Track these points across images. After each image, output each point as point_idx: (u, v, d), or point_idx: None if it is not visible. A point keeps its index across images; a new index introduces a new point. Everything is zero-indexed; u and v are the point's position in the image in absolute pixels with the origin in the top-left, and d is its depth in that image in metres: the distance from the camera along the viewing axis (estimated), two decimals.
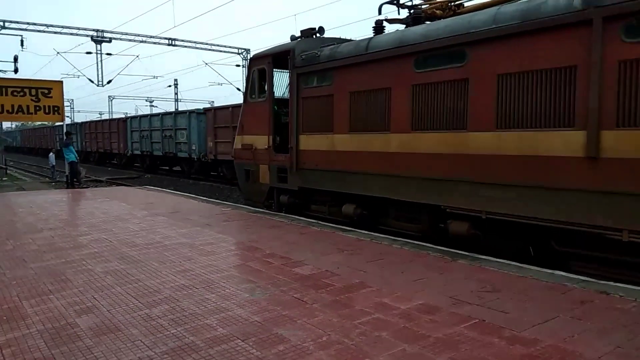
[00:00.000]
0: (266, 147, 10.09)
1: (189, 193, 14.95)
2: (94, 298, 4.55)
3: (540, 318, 3.91)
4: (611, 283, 4.86)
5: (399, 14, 8.60)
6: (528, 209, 5.74)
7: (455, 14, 7.53)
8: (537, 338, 3.53)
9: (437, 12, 7.73)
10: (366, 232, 7.64)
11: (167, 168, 29.33)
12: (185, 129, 23.93)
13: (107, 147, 34.80)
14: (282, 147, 9.93)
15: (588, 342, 3.45)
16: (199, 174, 24.51)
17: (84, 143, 38.82)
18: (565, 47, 5.36)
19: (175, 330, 3.75)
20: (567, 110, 5.37)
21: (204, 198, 13.15)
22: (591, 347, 3.37)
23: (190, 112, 24.21)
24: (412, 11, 8.14)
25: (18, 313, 4.19)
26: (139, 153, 29.81)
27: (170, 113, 27.78)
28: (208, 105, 40.20)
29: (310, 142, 9.06)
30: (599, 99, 5.08)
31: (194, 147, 23.19)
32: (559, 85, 5.43)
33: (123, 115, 46.07)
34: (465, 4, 7.73)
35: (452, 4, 7.77)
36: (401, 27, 8.18)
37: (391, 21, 8.52)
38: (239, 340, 3.55)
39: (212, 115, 21.97)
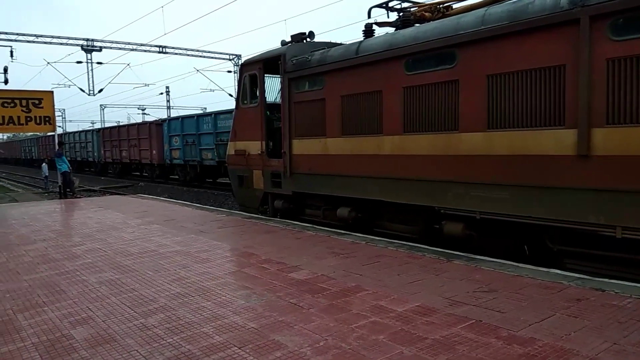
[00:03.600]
0: (259, 152, 10.08)
1: (184, 200, 14.91)
2: (89, 309, 4.52)
3: (537, 317, 3.92)
4: (606, 280, 4.88)
5: (388, 17, 8.64)
6: (521, 209, 5.76)
7: (444, 16, 7.56)
8: (534, 337, 3.53)
9: (426, 14, 7.77)
10: (361, 235, 7.64)
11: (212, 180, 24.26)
12: None
13: (135, 156, 29.12)
14: (275, 152, 9.92)
15: (585, 340, 3.46)
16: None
17: (101, 152, 33.90)
18: (554, 47, 5.40)
19: (171, 339, 3.73)
20: (558, 109, 5.40)
21: (199, 205, 13.11)
22: (588, 344, 3.38)
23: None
24: (401, 14, 8.17)
25: (12, 326, 4.14)
26: (181, 162, 24.62)
27: (226, 112, 20.96)
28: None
29: (303, 146, 9.06)
30: (588, 98, 5.11)
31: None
32: (548, 84, 5.46)
33: (115, 123, 45.55)
34: (454, 6, 7.78)
35: (441, 6, 7.81)
36: (391, 30, 8.21)
37: (381, 24, 8.55)
38: (236, 348, 3.53)
39: None
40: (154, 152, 26.81)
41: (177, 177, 26.41)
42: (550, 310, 4.06)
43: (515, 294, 4.52)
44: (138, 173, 31.72)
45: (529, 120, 5.64)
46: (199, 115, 23.89)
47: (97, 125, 61.86)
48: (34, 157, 49.36)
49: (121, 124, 45.48)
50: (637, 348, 3.30)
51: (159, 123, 27.44)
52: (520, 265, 5.56)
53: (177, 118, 25.72)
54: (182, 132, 24.06)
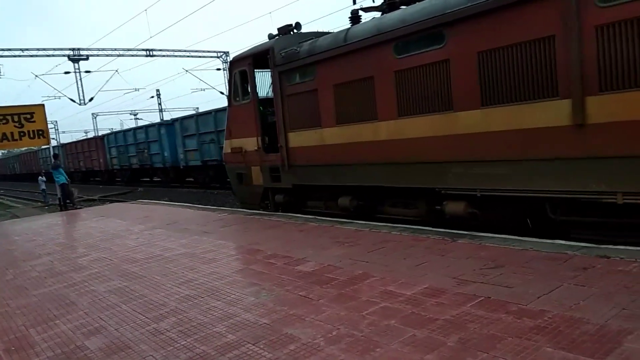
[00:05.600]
0: (256, 148, 10.07)
1: (184, 202, 14.91)
2: (100, 318, 4.54)
3: (545, 289, 3.95)
4: (611, 247, 4.91)
5: (373, 1, 8.59)
6: (521, 182, 5.78)
7: None
8: (544, 309, 3.56)
9: None
10: (364, 222, 7.66)
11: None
12: None
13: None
14: (272, 146, 9.91)
15: (594, 308, 3.48)
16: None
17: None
18: (542, 18, 5.38)
19: (185, 342, 3.75)
20: (550, 81, 5.39)
21: (200, 206, 13.12)
22: (597, 312, 3.41)
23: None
24: None
25: (26, 341, 4.17)
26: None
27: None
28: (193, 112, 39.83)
29: (299, 138, 9.05)
30: (580, 66, 5.10)
31: None
32: (539, 56, 5.45)
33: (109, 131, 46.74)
34: None
35: None
36: (377, 14, 8.17)
37: (367, 9, 8.51)
38: (250, 345, 3.56)
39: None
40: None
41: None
42: (557, 281, 4.09)
43: (521, 268, 4.54)
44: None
45: (523, 94, 5.64)
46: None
47: (91, 134, 61.77)
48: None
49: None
50: None
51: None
52: (525, 239, 5.59)
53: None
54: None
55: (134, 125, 42.82)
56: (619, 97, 4.89)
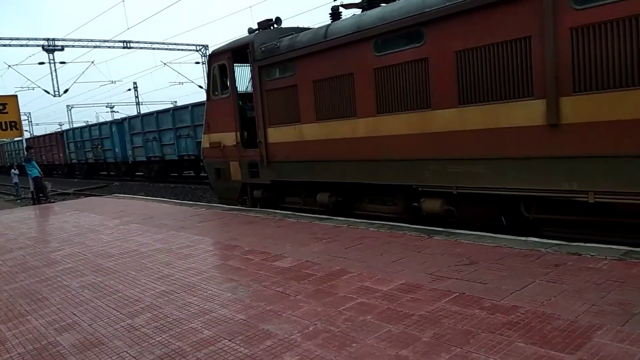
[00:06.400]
0: (235, 143, 10.00)
1: (161, 197, 14.73)
2: (74, 314, 4.46)
3: (518, 285, 4.03)
4: (582, 244, 5.03)
5: None
6: (497, 181, 5.87)
7: None
8: (516, 305, 3.63)
9: None
10: (342, 218, 7.69)
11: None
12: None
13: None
14: (250, 142, 9.86)
15: (565, 304, 3.57)
16: None
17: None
18: (518, 19, 5.47)
19: (160, 338, 3.72)
20: (526, 81, 5.49)
21: (177, 201, 12.98)
22: (568, 308, 3.50)
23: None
24: None
25: None
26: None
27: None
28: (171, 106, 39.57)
29: (278, 134, 9.02)
30: (554, 67, 5.20)
31: None
32: (515, 56, 5.54)
33: (84, 124, 46.12)
34: None
35: None
36: (357, 11, 8.18)
37: (347, 6, 8.50)
38: (226, 341, 3.54)
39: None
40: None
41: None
42: (530, 278, 4.18)
43: (495, 265, 4.63)
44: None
45: (500, 94, 5.72)
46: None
47: (66, 126, 60.53)
48: None
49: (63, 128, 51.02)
50: (614, 307, 3.43)
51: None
52: (499, 236, 5.69)
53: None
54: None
55: (110, 119, 42.20)
56: (593, 98, 5.01)
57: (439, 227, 6.44)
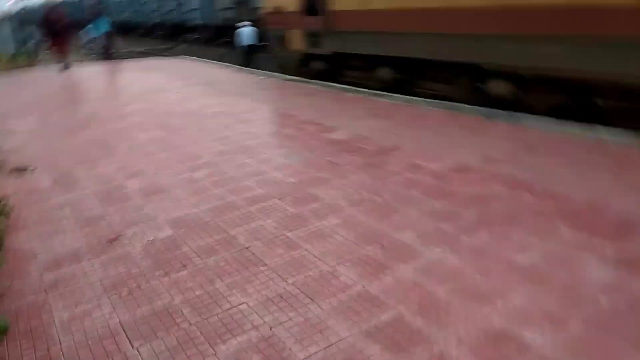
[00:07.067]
0: (297, 9, 9.62)
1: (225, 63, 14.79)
2: (140, 163, 4.83)
3: (575, 175, 3.91)
4: None
5: None
6: (576, 64, 5.39)
7: None
8: (569, 194, 3.55)
9: None
10: (401, 95, 7.50)
11: None
12: None
13: None
14: (313, 8, 9.44)
15: (620, 198, 3.45)
16: None
17: None
18: None
19: (217, 191, 4.00)
20: None
21: (238, 67, 13.02)
22: (622, 202, 3.38)
23: None
24: None
25: (72, 177, 4.52)
26: None
27: None
28: None
29: (343, 1, 8.55)
30: None
31: None
32: None
33: None
34: None
35: None
36: None
37: None
38: (276, 199, 3.76)
39: None
40: None
41: None
42: (589, 169, 4.02)
43: (555, 152, 4.46)
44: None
45: None
46: None
47: None
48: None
49: None
50: None
51: None
52: (565, 122, 5.39)
53: None
54: None
55: None
56: None
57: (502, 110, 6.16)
